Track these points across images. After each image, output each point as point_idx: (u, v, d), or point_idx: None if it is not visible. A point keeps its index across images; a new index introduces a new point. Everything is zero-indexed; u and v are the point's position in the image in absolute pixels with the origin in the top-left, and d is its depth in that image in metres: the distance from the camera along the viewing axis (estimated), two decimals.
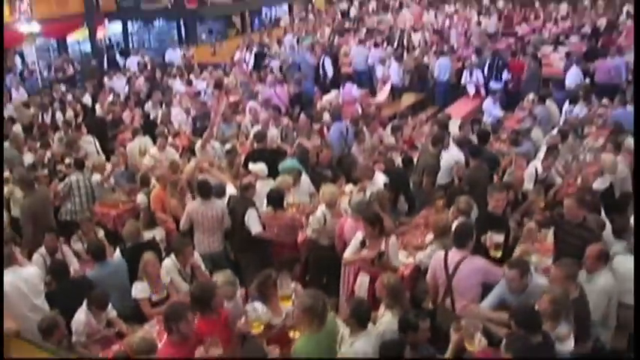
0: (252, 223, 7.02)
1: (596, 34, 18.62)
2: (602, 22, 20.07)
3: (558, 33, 19.28)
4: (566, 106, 11.89)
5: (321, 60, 17.10)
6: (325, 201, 7.01)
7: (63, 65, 19.25)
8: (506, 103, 13.66)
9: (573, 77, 13.71)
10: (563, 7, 24.45)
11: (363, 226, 5.96)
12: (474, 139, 9.34)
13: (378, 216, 5.97)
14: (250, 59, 18.35)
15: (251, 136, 10.29)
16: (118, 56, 21.91)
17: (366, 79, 16.81)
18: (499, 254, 5.81)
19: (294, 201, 7.91)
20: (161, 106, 13.22)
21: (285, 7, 27.29)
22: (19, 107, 14.24)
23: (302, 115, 11.51)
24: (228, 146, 9.70)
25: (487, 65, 15.11)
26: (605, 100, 12.30)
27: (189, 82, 15.44)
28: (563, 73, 14.59)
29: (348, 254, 6.15)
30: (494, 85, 14.70)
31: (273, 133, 10.54)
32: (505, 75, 14.76)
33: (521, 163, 8.39)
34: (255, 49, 19.03)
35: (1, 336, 4.63)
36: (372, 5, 29.75)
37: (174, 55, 19.34)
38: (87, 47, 22.58)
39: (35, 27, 18.89)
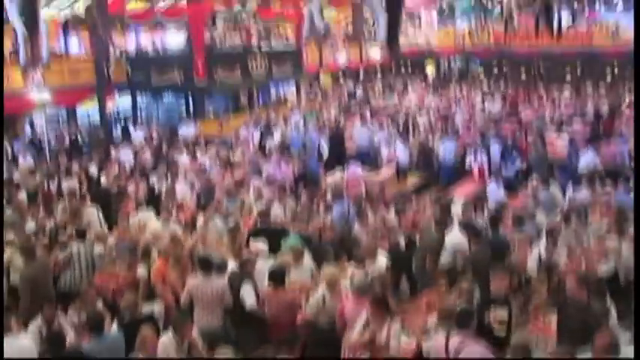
0: (247, 296, 6.98)
1: (598, 120, 18.85)
2: (604, 108, 20.36)
3: (561, 117, 19.55)
4: (569, 190, 11.92)
5: (318, 139, 17.31)
6: (326, 281, 6.96)
7: (71, 134, 19.48)
8: (510, 186, 13.69)
9: (587, 161, 13.75)
10: (567, 92, 24.92)
11: (366, 306, 5.89)
12: (478, 220, 9.32)
13: (383, 296, 5.92)
14: (256, 136, 18.54)
15: (254, 213, 10.30)
16: (125, 128, 22.18)
17: (370, 159, 16.92)
18: (503, 332, 5.71)
19: (296, 279, 7.84)
20: (166, 179, 13.31)
21: (293, 85, 27.73)
22: (25, 174, 14.36)
23: (306, 194, 11.56)
24: (231, 222, 9.69)
25: (499, 151, 15.22)
26: (608, 186, 12.33)
27: (195, 157, 15.58)
28: (566, 156, 14.69)
29: (352, 336, 6.04)
30: (506, 172, 14.67)
31: (276, 210, 10.55)
32: (518, 162, 14.76)
33: (524, 247, 8.35)
34: (261, 126, 19.28)
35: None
36: (378, 87, 30.37)
37: (188, 130, 19.49)
38: (96, 118, 22.86)
39: (46, 95, 19.20)
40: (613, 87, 26.63)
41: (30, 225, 10.31)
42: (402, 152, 15.99)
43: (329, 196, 11.75)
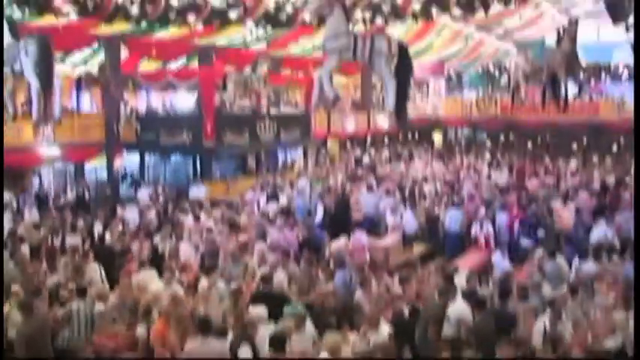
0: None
1: (605, 191, 18.85)
2: (610, 180, 20.38)
3: (568, 188, 19.57)
4: (575, 261, 11.81)
5: (324, 205, 17.32)
6: (328, 349, 6.85)
7: (78, 190, 19.56)
8: (516, 257, 13.59)
9: (599, 233, 13.59)
10: (573, 164, 25.02)
11: None
12: (483, 291, 9.23)
13: None
14: (262, 200, 18.56)
15: (257, 277, 10.24)
16: (132, 187, 22.28)
17: (376, 226, 16.87)
18: None
19: (297, 346, 7.72)
20: (170, 239, 13.29)
21: (300, 150, 27.94)
22: (29, 228, 14.35)
23: (309, 260, 11.50)
24: (233, 286, 9.63)
25: (505, 221, 15.18)
26: (615, 257, 12.22)
27: (198, 218, 15.53)
28: (572, 227, 14.62)
29: None
30: (525, 242, 14.53)
31: (280, 276, 10.48)
32: (541, 232, 14.66)
33: (529, 319, 8.24)
34: (267, 190, 19.32)
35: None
36: (385, 154, 30.56)
37: (199, 192, 19.46)
38: (103, 175, 23.03)
39: (55, 151, 19.38)
40: (619, 159, 26.75)
41: (31, 280, 10.25)
42: (407, 220, 15.98)
43: (332, 263, 11.68)
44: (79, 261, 11.10)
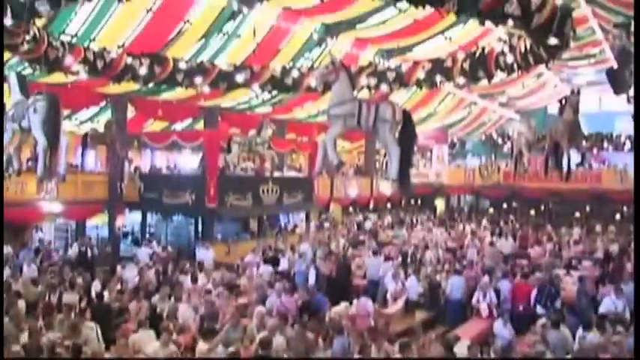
0: None
1: (608, 260, 18.73)
2: (614, 249, 20.28)
3: (571, 257, 19.44)
4: (579, 332, 11.62)
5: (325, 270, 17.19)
6: None
7: (78, 247, 19.48)
8: (518, 326, 13.39)
9: (607, 304, 13.36)
10: (576, 232, 24.97)
11: None
12: None
13: None
14: (262, 263, 18.42)
15: (256, 341, 10.10)
16: (133, 246, 22.18)
17: (377, 292, 16.71)
18: None
19: None
20: (169, 300, 13.15)
21: (303, 214, 27.92)
22: (27, 283, 14.26)
23: (308, 325, 11.36)
24: (231, 349, 9.49)
25: (508, 289, 15.06)
26: (620, 328, 12.02)
27: (195, 280, 15.36)
28: (575, 297, 14.45)
29: None
30: (541, 310, 14.32)
31: (278, 341, 10.33)
32: (558, 303, 14.46)
33: None
34: (268, 254, 19.20)
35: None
36: (387, 220, 30.55)
37: (206, 255, 19.26)
38: (104, 232, 23.00)
39: (57, 207, 19.37)
40: (622, 227, 26.70)
41: (25, 336, 10.09)
42: (410, 287, 15.85)
43: (331, 329, 11.52)
44: (75, 319, 10.96)
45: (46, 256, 18.41)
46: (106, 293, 14.01)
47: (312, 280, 16.79)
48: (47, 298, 13.31)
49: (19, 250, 18.10)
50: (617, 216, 31.17)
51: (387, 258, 18.06)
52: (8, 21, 9.97)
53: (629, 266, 17.05)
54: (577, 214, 32.38)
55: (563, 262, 18.94)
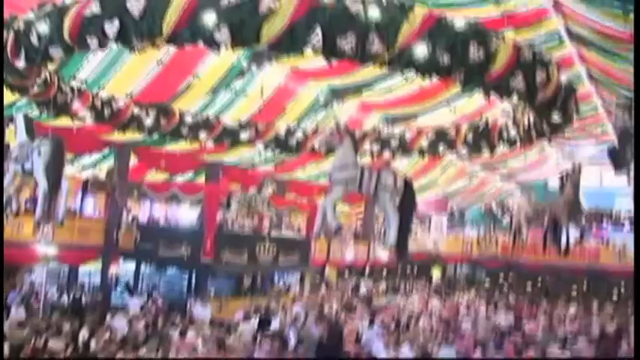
0: None
1: (604, 339, 18.49)
2: (610, 328, 20.02)
3: (566, 334, 19.20)
4: None
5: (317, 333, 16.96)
6: None
7: (69, 293, 19.27)
8: None
9: None
10: (572, 309, 24.74)
11: None
12: None
13: None
14: (254, 322, 18.18)
15: None
16: (124, 295, 21.95)
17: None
18: None
19: None
20: (157, 353, 12.93)
21: (297, 276, 27.73)
22: (13, 327, 14.02)
23: None
24: None
25: None
26: None
27: (183, 333, 15.13)
28: None
29: None
30: None
31: None
32: None
33: None
34: (260, 313, 18.98)
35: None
36: (383, 286, 30.35)
37: (204, 313, 19.05)
38: (97, 279, 22.77)
39: (52, 250, 19.24)
40: (619, 306, 26.43)
41: None
42: (403, 355, 15.56)
43: None
44: None
45: (35, 300, 18.21)
46: (93, 342, 13.80)
47: (292, 340, 16.58)
48: (33, 343, 13.10)
49: (8, 292, 17.90)
50: (615, 294, 30.94)
51: (381, 325, 17.81)
52: (21, 63, 10.08)
53: (625, 346, 16.85)
54: (574, 291, 32.15)
55: (558, 338, 18.68)
